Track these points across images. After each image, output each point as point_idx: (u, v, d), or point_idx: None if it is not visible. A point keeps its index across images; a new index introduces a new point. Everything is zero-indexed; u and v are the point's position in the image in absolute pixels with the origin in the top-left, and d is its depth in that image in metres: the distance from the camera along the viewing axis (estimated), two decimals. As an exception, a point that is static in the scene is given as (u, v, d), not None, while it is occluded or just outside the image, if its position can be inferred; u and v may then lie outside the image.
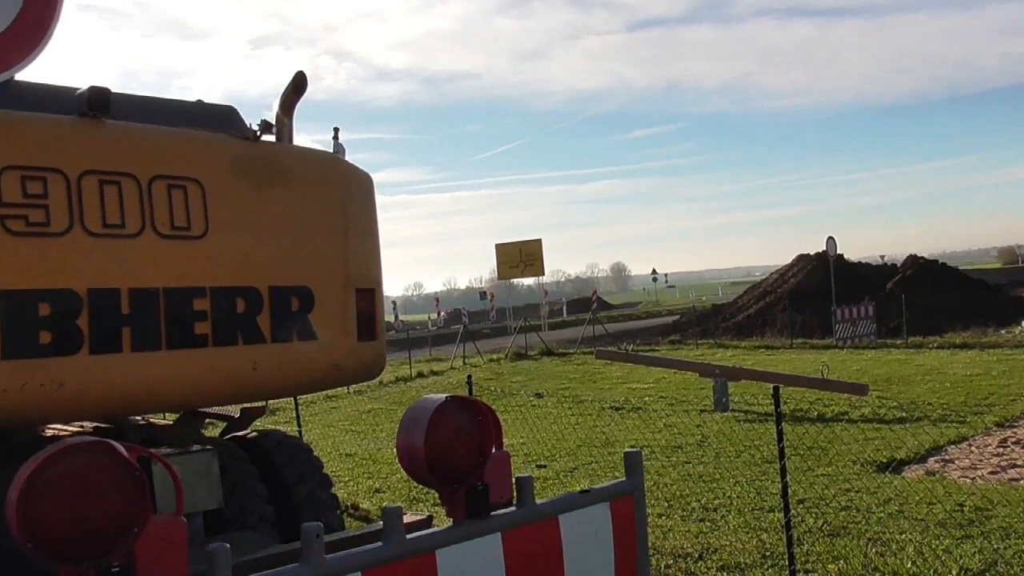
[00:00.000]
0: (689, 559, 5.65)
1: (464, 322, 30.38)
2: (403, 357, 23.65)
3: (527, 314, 33.26)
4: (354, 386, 17.10)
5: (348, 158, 4.48)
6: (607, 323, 33.74)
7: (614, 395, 14.04)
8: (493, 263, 33.23)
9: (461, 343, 23.43)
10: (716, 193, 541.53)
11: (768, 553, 5.64)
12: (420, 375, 19.96)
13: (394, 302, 51.04)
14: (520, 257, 31.73)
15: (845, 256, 32.43)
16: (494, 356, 23.17)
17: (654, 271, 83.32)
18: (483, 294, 57.35)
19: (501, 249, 32.82)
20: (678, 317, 35.55)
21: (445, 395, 2.79)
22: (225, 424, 4.68)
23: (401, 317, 62.66)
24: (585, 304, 67.32)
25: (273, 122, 4.05)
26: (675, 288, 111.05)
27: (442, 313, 55.72)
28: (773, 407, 5.02)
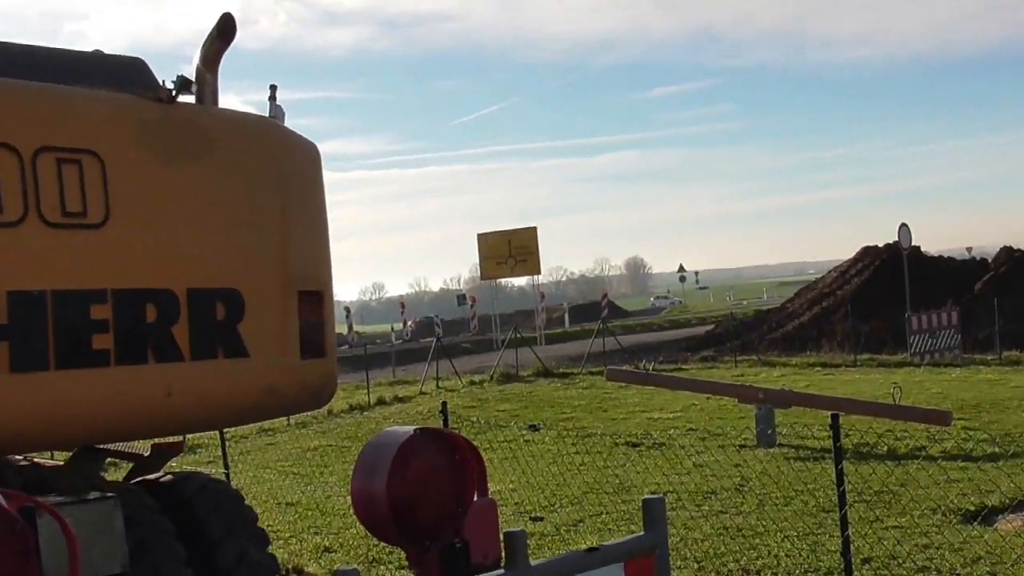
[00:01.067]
0: (725, 636, 5.71)
1: (438, 334, 30.52)
2: (359, 379, 23.48)
3: (519, 323, 33.41)
4: (297, 417, 17.08)
5: (289, 124, 4.52)
6: (621, 334, 33.82)
7: (630, 427, 14.13)
8: (475, 258, 33.41)
9: (434, 361, 23.44)
10: (758, 169, 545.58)
11: (825, 628, 5.71)
12: (381, 402, 20.02)
13: (347, 308, 51.41)
14: (509, 250, 31.72)
15: (922, 249, 32.74)
16: (476, 378, 23.21)
17: (681, 268, 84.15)
18: (462, 298, 57.99)
19: (485, 241, 32.81)
20: (712, 327, 35.90)
21: (413, 427, 2.81)
22: (131, 465, 4.73)
23: (357, 328, 62.80)
24: (593, 311, 67.62)
25: (192, 79, 4.10)
26: (708, 290, 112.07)
27: (409, 323, 56.13)
28: (831, 441, 5.07)
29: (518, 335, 25.84)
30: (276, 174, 4.18)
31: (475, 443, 3.13)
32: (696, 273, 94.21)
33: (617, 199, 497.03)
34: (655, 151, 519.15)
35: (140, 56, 4.28)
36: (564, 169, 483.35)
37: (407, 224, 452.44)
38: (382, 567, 7.69)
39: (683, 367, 23.23)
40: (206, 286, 3.89)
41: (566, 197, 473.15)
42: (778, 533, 7.72)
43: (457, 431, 3.36)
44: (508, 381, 22.21)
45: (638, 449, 12.33)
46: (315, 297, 4.26)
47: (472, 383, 22.39)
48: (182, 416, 3.88)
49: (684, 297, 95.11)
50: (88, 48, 4.29)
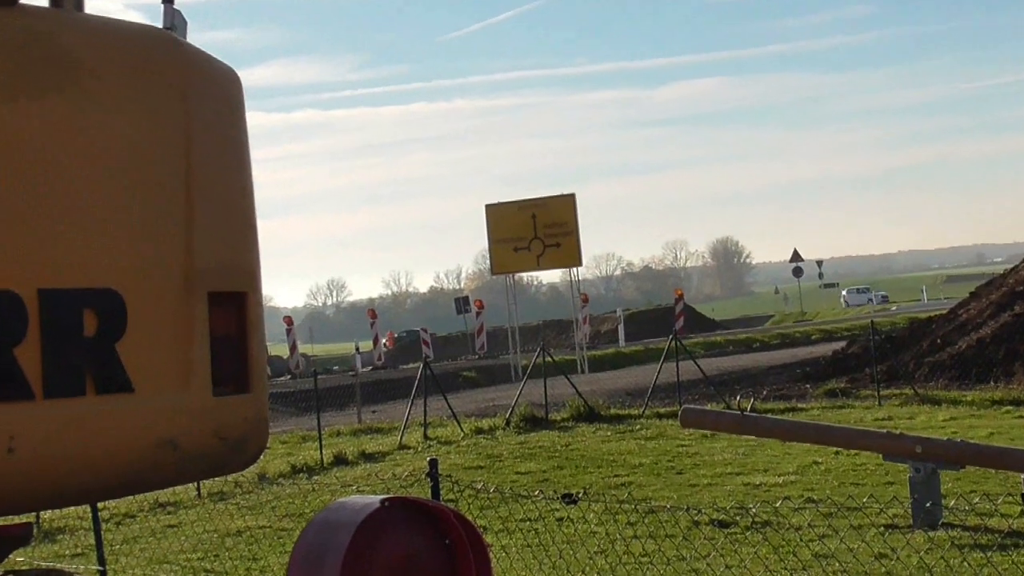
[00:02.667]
0: None
1: (426, 357, 30.78)
2: (307, 426, 23.67)
3: (549, 340, 33.43)
4: (211, 484, 17.22)
5: (194, 39, 4.58)
6: (705, 356, 33.79)
7: (717, 497, 14.19)
8: (482, 243, 33.47)
9: (420, 398, 23.39)
10: (910, 103, 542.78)
11: None
12: (340, 461, 20.08)
13: (288, 320, 50.93)
14: (534, 230, 31.82)
15: None
16: (484, 423, 23.19)
17: (796, 256, 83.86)
18: (463, 303, 58.33)
19: (497, 215, 33.01)
20: (843, 345, 35.35)
21: (380, 497, 2.81)
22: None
23: (304, 348, 62.93)
24: (661, 321, 67.36)
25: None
26: (837, 288, 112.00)
27: (384, 341, 56.53)
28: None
29: (548, 359, 25.72)
30: (173, 116, 4.23)
31: (475, 521, 3.12)
32: (819, 264, 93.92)
33: (693, 152, 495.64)
34: (751, 78, 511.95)
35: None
36: (613, 107, 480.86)
37: (381, 192, 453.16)
38: None
39: (800, 406, 23.17)
40: (67, 286, 3.90)
41: (617, 150, 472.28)
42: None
43: (450, 504, 3.35)
44: (533, 428, 22.13)
45: (730, 531, 12.31)
46: (235, 301, 4.37)
47: (478, 431, 22.29)
48: (29, 483, 3.87)
49: (803, 298, 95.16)
50: None
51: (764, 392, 26.08)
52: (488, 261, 35.01)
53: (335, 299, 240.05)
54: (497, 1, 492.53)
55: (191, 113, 4.30)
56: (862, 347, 31.43)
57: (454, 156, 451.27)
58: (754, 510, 12.62)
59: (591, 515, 13.27)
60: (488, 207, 33.88)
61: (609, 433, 21.06)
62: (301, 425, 26.15)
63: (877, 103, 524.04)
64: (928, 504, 11.96)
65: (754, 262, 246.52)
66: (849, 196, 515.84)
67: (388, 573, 2.82)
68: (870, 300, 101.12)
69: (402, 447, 21.48)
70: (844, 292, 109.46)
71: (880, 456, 13.31)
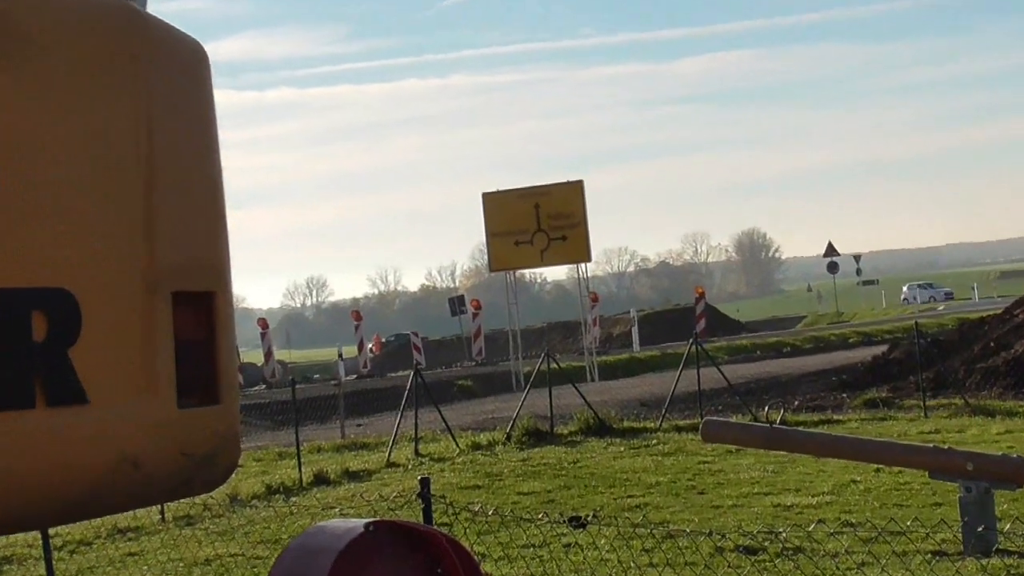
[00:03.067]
0: None
1: (417, 364, 31.07)
2: (285, 441, 23.52)
3: (555, 345, 33.35)
4: (176, 506, 17.11)
5: (156, 9, 4.59)
6: (730, 362, 34.01)
7: (744, 520, 14.20)
8: (479, 236, 33.56)
9: (410, 410, 23.34)
10: (958, 78, 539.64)
11: None
12: (322, 480, 20.13)
13: (263, 322, 51.12)
14: (538, 221, 31.86)
15: None
16: (482, 437, 23.21)
17: (831, 250, 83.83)
18: (458, 303, 58.78)
19: (496, 204, 33.19)
20: (884, 349, 35.14)
21: (364, 521, 2.83)
22: None
23: (280, 355, 62.66)
24: (679, 322, 67.12)
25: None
26: (877, 285, 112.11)
27: (370, 346, 56.59)
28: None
29: (553, 365, 25.47)
30: (132, 95, 4.24)
31: (472, 547, 3.13)
32: (856, 258, 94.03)
33: (715, 134, 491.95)
34: (778, 51, 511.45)
35: None
36: (625, 83, 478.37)
37: (365, 180, 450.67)
38: None
39: (836, 418, 23.11)
40: (13, 285, 3.91)
41: (630, 131, 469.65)
42: None
43: (444, 529, 3.37)
44: (537, 443, 22.14)
45: (758, 558, 12.20)
46: (202, 302, 4.39)
47: (476, 447, 22.27)
48: None
49: (838, 297, 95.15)
50: None
51: (796, 402, 25.95)
52: (486, 256, 35.01)
53: (315, 299, 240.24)
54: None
55: (152, 92, 4.31)
56: (905, 352, 31.35)
57: (448, 139, 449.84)
58: (785, 535, 12.58)
59: (602, 540, 13.21)
60: (486, 196, 33.85)
61: (622, 448, 21.07)
62: (277, 440, 26.06)
63: (922, 77, 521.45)
64: (980, 528, 11.85)
65: (784, 257, 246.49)
66: (890, 182, 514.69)
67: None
68: (932, 298, 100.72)
69: (390, 465, 21.39)
70: (905, 288, 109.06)
71: (926, 474, 13.20)
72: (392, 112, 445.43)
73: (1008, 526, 11.97)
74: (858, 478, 15.85)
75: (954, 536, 12.03)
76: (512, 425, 23.43)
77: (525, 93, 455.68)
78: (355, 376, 46.91)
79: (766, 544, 12.64)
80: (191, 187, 4.41)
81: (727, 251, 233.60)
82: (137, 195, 4.22)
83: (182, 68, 4.49)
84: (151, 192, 4.26)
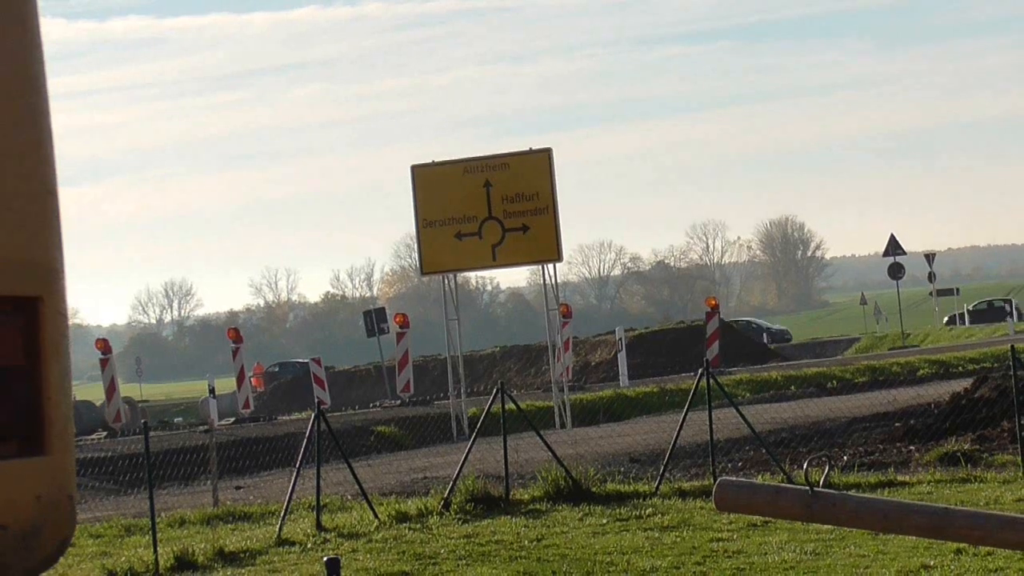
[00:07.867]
0: None
1: (319, 402, 28.24)
2: (136, 508, 23.40)
3: (511, 376, 33.69)
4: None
5: None
6: (751, 401, 33.52)
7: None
8: (403, 227, 31.50)
9: (309, 466, 21.93)
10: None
11: None
12: (186, 564, 18.46)
13: (104, 344, 47.47)
14: (488, 206, 30.30)
15: None
16: (410, 505, 21.54)
17: (894, 246, 73.86)
18: (375, 318, 58.27)
19: (430, 182, 31.43)
20: (969, 384, 32.49)
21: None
22: None
23: (129, 391, 60.14)
24: (683, 346, 63.84)
25: None
26: (957, 295, 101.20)
27: (250, 376, 54.14)
28: None
29: (510, 406, 23.72)
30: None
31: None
32: (928, 258, 79.73)
33: (728, 85, 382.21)
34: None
35: None
36: (603, 14, 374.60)
37: (247, 145, 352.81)
38: None
39: (901, 479, 21.16)
40: None
41: (612, 81, 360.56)
42: None
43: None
44: (486, 513, 20.32)
45: None
46: (21, 313, 4.01)
47: (402, 518, 20.27)
48: None
49: (903, 312, 78.44)
50: None
51: (845, 457, 23.55)
52: (415, 254, 34.23)
53: (176, 313, 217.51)
54: None
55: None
56: (997, 388, 28.55)
57: (363, 90, 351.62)
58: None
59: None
60: (416, 169, 31.40)
61: (604, 521, 19.06)
62: (123, 509, 24.76)
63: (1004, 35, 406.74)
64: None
65: (828, 256, 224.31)
66: (979, 155, 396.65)
67: None
68: None
69: (283, 542, 19.22)
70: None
71: (1022, 553, 13.20)
72: (285, 54, 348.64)
73: None
74: (931, 562, 14.68)
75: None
76: (452, 488, 21.23)
77: (466, 30, 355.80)
78: (233, 420, 43.79)
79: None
80: (6, 154, 3.92)
81: (750, 248, 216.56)
82: None
83: None
84: None
